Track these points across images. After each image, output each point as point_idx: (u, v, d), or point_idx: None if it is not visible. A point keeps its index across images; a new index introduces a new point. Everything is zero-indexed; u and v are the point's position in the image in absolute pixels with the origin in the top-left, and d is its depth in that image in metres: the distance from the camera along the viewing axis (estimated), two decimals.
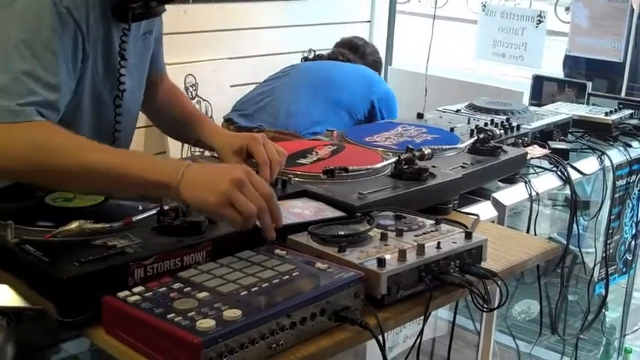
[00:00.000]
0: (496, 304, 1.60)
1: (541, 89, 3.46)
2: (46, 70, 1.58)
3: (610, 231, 2.95)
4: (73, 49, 1.67)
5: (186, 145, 4.07)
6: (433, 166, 1.91)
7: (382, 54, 5.13)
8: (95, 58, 1.77)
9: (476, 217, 1.87)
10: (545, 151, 2.53)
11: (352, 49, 3.85)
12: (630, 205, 3.04)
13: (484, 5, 4.80)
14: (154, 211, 1.50)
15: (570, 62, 4.62)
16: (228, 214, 1.40)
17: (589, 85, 3.36)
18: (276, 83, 3.61)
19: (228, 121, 3.51)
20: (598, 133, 2.89)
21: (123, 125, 1.89)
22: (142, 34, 1.94)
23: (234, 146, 1.91)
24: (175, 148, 3.97)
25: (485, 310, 1.55)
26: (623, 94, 4.12)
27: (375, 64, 3.88)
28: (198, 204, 1.42)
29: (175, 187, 1.42)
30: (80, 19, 1.66)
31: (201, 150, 4.25)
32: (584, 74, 4.41)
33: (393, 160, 1.91)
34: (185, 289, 1.28)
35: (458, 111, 2.79)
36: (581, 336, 3.12)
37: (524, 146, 2.50)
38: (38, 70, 1.57)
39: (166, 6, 1.91)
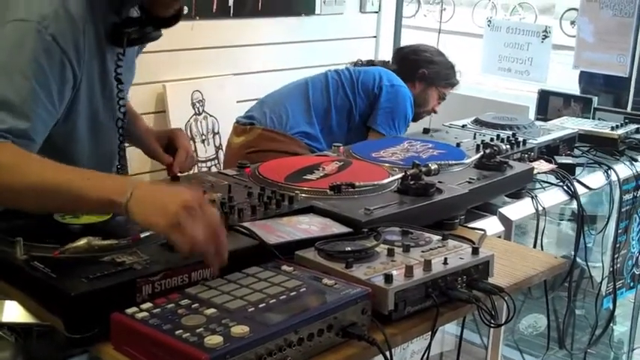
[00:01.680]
0: (503, 320, 1.60)
1: (547, 104, 3.47)
2: (19, 97, 1.56)
3: (617, 245, 2.95)
4: (60, 77, 1.64)
5: None
6: (440, 182, 1.92)
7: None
8: (91, 83, 1.75)
9: (482, 233, 1.87)
10: (552, 166, 2.53)
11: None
12: (637, 219, 3.03)
13: (489, 20, 4.81)
14: None
15: (586, 78, 4.61)
16: (175, 239, 1.36)
17: (595, 99, 3.36)
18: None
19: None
20: (604, 148, 2.89)
21: (124, 146, 1.90)
22: (134, 55, 1.96)
23: (159, 134, 2.17)
24: None
25: (492, 325, 1.55)
26: (629, 109, 4.12)
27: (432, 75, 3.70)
28: (147, 225, 1.40)
29: (124, 205, 1.39)
30: (67, 47, 1.63)
31: (207, 166, 4.29)
32: (601, 90, 4.40)
33: (400, 175, 1.91)
34: (193, 306, 1.28)
35: (464, 126, 2.79)
36: (588, 350, 3.11)
37: (531, 161, 2.51)
38: (10, 97, 1.55)
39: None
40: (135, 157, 2.10)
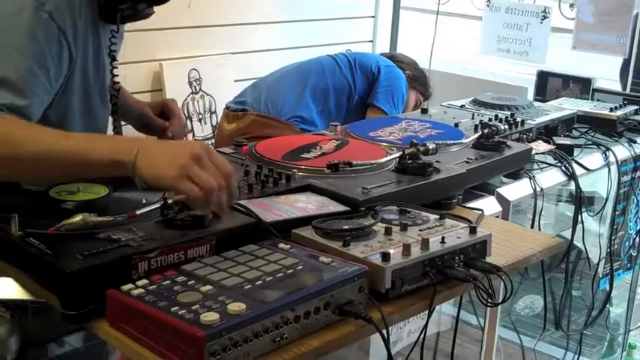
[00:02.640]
0: (500, 299, 1.60)
1: (545, 85, 3.46)
2: (17, 74, 1.55)
3: (614, 227, 2.95)
4: (57, 55, 1.62)
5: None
6: (437, 161, 1.91)
7: (386, 49, 5.14)
8: (84, 60, 1.74)
9: (480, 212, 1.87)
10: (550, 147, 2.52)
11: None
12: (635, 200, 3.03)
13: (489, 1, 4.79)
14: (158, 205, 1.50)
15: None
16: (187, 189, 1.36)
17: (594, 80, 3.35)
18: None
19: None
20: (603, 129, 2.89)
21: (119, 123, 1.90)
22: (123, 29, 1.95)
23: (152, 104, 2.19)
24: None
25: (489, 305, 1.55)
26: (628, 90, 4.11)
27: (413, 77, 3.80)
28: (156, 179, 1.39)
29: (131, 163, 1.39)
30: (64, 25, 1.62)
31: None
32: None
33: (398, 154, 1.90)
34: (189, 283, 1.28)
35: (462, 106, 2.78)
36: (585, 331, 3.12)
37: (529, 142, 2.50)
38: (8, 74, 1.53)
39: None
40: None
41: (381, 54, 4.05)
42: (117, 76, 1.85)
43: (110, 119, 1.96)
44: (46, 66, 1.60)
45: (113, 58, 1.82)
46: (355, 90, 3.50)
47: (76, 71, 1.72)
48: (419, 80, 3.80)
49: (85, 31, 1.70)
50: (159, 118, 2.15)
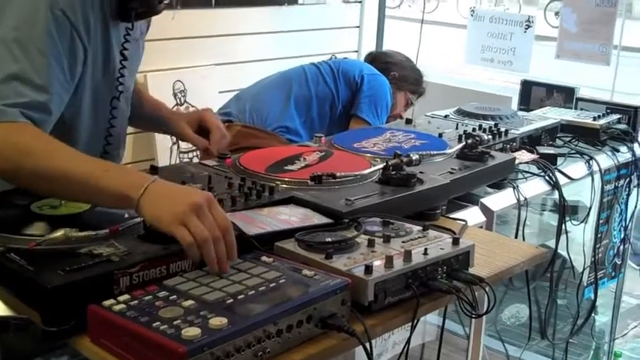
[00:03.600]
0: (484, 310, 1.60)
1: (529, 94, 3.47)
2: (37, 71, 1.58)
3: (599, 235, 2.96)
4: (70, 51, 1.67)
5: (174, 152, 4.07)
6: (421, 172, 1.91)
7: None
8: (95, 59, 1.77)
9: (464, 223, 1.87)
10: (534, 156, 2.53)
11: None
12: (618, 209, 3.04)
13: (473, 10, 4.81)
14: (139, 219, 1.49)
15: None
16: (180, 234, 1.35)
17: (577, 89, 3.37)
18: None
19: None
20: (586, 138, 2.90)
21: (116, 129, 1.90)
22: (139, 34, 1.96)
23: (189, 118, 2.16)
24: (163, 155, 3.97)
25: (472, 316, 1.55)
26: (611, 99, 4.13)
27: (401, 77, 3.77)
28: (153, 220, 1.40)
29: (137, 201, 1.40)
30: (77, 21, 1.66)
31: (189, 157, 4.28)
32: None
33: (381, 166, 1.90)
34: (171, 298, 1.27)
35: (446, 116, 2.79)
36: (570, 340, 3.13)
37: (513, 151, 2.50)
38: (28, 72, 1.57)
39: None
40: None
41: (369, 52, 4.02)
42: (122, 76, 1.86)
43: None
44: (62, 62, 1.64)
45: (124, 57, 1.83)
46: (338, 99, 3.49)
47: (87, 68, 1.75)
48: (408, 79, 3.72)
49: (95, 27, 1.73)
50: (198, 137, 2.12)
